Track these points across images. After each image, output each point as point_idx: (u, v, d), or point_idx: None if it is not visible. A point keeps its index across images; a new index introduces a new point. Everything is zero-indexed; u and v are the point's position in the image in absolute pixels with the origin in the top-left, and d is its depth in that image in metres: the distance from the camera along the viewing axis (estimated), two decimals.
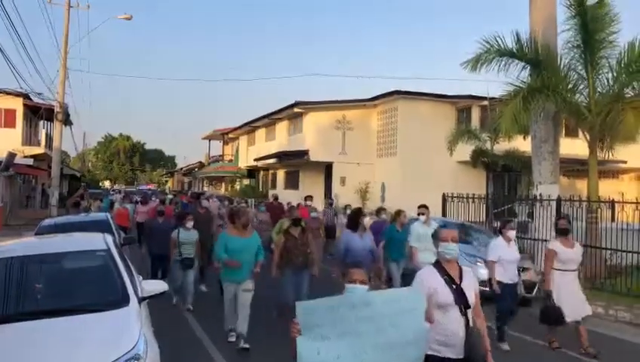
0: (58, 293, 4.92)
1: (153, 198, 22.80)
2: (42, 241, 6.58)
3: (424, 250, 8.42)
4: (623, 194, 12.31)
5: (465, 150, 20.78)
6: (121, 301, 4.63)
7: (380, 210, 12.25)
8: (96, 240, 5.79)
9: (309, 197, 14.98)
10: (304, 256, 7.83)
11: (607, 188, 17.68)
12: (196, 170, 51.92)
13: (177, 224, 9.74)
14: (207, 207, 12.17)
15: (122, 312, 4.49)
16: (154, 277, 9.67)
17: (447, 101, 25.48)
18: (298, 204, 15.31)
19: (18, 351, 3.86)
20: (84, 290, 4.98)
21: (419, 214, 9.14)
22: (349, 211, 12.81)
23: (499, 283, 7.40)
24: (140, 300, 4.84)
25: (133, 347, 3.96)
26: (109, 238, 5.91)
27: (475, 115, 24.79)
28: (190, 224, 9.22)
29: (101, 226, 8.88)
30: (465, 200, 15.06)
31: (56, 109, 23.74)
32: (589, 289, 10.63)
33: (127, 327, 4.25)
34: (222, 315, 7.32)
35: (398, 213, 9.57)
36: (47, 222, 10.10)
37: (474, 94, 24.11)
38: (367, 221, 12.70)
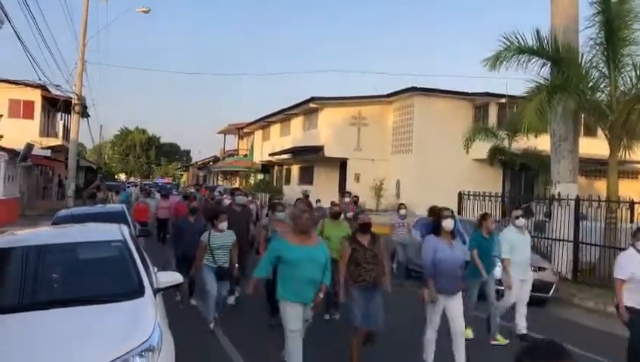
0: (73, 283, 4.91)
1: (174, 192, 22.66)
2: (58, 231, 6.59)
3: (518, 263, 7.49)
4: None
5: (481, 148, 20.59)
6: (137, 292, 4.60)
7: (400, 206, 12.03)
8: (112, 231, 5.78)
9: (347, 193, 13.38)
10: (377, 271, 5.99)
11: (626, 189, 17.37)
12: (211, 164, 52.14)
13: (206, 224, 8.70)
14: (244, 203, 10.18)
15: (137, 303, 4.46)
16: (185, 286, 8.53)
17: (464, 98, 25.26)
18: (332, 202, 14.49)
19: (33, 340, 3.85)
20: (99, 280, 4.96)
21: (516, 218, 7.79)
22: (403, 211, 12.06)
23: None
24: (155, 291, 4.83)
25: (148, 338, 3.93)
26: (125, 229, 5.89)
27: (493, 112, 24.56)
28: (224, 225, 7.62)
29: (117, 218, 8.88)
30: (481, 198, 14.93)
31: (74, 101, 23.90)
32: (610, 291, 10.47)
33: (142, 318, 4.22)
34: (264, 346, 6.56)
35: (485, 216, 7.94)
36: (63, 212, 10.15)
37: (492, 92, 23.90)
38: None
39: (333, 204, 10.12)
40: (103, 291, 4.69)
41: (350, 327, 6.10)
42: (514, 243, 7.51)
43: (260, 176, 39.51)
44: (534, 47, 12.12)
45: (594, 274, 11.46)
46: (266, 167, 38.65)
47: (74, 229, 6.72)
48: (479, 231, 7.69)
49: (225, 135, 49.66)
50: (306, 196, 15.05)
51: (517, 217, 7.81)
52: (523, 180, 23.75)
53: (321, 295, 5.44)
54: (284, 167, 36.12)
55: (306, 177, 31.79)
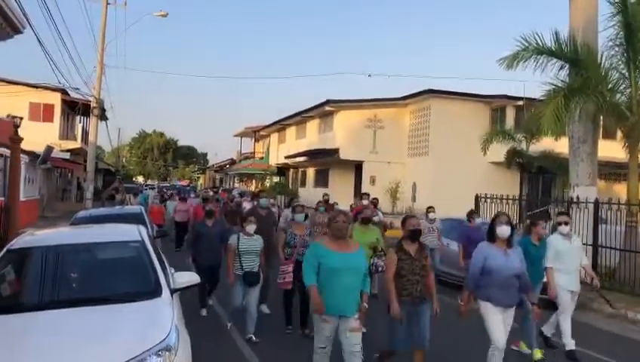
0: (91, 283, 4.97)
1: (192, 195, 22.56)
2: (77, 231, 6.67)
3: (562, 271, 6.91)
4: None
5: (498, 151, 20.42)
6: (154, 292, 4.64)
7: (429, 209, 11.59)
8: (130, 232, 5.84)
9: (365, 195, 12.59)
10: (424, 284, 5.43)
11: None
12: (227, 166, 52.41)
13: (227, 228, 8.54)
14: (269, 206, 9.87)
15: (154, 303, 4.50)
16: (201, 294, 8.38)
17: (481, 100, 25.10)
18: (352, 205, 13.85)
19: (52, 338, 3.90)
20: (117, 280, 5.01)
21: (559, 224, 7.12)
22: (432, 215, 11.47)
23: None
24: (173, 291, 4.86)
25: (165, 338, 3.95)
26: (143, 230, 5.95)
27: (510, 115, 24.38)
28: (252, 228, 7.29)
29: (135, 219, 8.96)
30: (498, 201, 14.80)
31: (93, 104, 24.20)
32: (630, 295, 10.33)
33: (159, 318, 4.25)
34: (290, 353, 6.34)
35: (535, 221, 7.24)
36: (82, 213, 10.27)
37: (509, 94, 23.71)
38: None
39: (354, 206, 9.65)
40: (120, 291, 4.73)
41: (387, 349, 5.62)
42: (559, 250, 6.95)
43: (276, 179, 39.60)
44: (553, 48, 11.99)
45: (614, 279, 11.28)
46: (282, 170, 38.74)
47: (92, 230, 6.80)
48: (527, 238, 6.99)
49: (241, 138, 49.90)
50: (326, 200, 14.37)
51: (560, 223, 7.08)
52: (541, 183, 23.52)
53: (366, 304, 5.02)
54: (300, 169, 36.17)
55: (322, 180, 31.80)
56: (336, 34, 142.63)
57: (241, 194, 27.23)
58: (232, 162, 51.42)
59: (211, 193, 19.63)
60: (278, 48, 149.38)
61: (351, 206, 14.12)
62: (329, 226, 5.04)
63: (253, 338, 6.94)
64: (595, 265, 11.67)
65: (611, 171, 23.02)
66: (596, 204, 11.78)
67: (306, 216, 8.33)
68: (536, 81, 24.49)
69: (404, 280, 5.36)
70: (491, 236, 5.46)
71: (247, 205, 15.13)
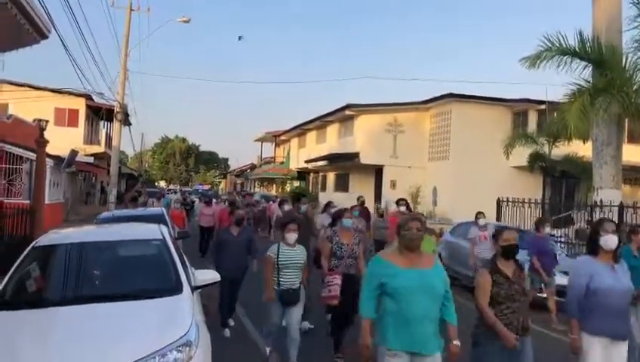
0: (114, 279, 5.07)
1: (215, 201, 22.15)
2: (100, 230, 6.78)
3: None
4: None
5: (521, 155, 20.20)
6: (175, 289, 4.71)
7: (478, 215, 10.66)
8: (152, 230, 5.93)
9: (402, 201, 11.46)
10: (525, 312, 4.34)
11: None
12: (248, 171, 52.73)
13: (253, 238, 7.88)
14: (308, 212, 8.69)
15: (175, 299, 4.56)
16: (224, 308, 7.60)
17: (502, 105, 24.86)
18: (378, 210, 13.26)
19: (75, 333, 3.98)
20: (139, 277, 5.10)
21: None
22: (483, 220, 10.56)
23: None
24: (193, 289, 4.92)
25: (186, 333, 4.01)
26: (164, 229, 6.04)
27: (532, 118, 24.11)
28: (293, 237, 6.13)
29: (157, 220, 9.05)
30: (520, 205, 14.65)
31: (116, 109, 24.58)
32: None
33: (180, 314, 4.31)
34: None
35: (636, 229, 6.34)
36: (105, 214, 10.45)
37: (531, 98, 23.46)
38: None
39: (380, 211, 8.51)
40: (142, 287, 4.81)
41: None
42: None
43: (296, 183, 39.71)
44: (576, 49, 11.87)
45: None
46: (302, 174, 38.83)
47: (115, 228, 6.93)
48: (627, 247, 6.09)
49: (262, 142, 50.20)
50: (362, 203, 13.48)
51: None
52: (564, 187, 23.18)
53: (457, 343, 3.91)
54: (320, 174, 36.21)
55: (342, 184, 31.80)
56: (357, 38, 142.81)
57: (267, 199, 27.26)
58: (253, 167, 51.73)
59: (238, 198, 19.11)
60: (299, 53, 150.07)
61: (378, 210, 13.74)
62: (399, 236, 3.96)
63: (269, 351, 6.21)
64: None
65: (637, 176, 22.59)
66: (620, 207, 11.59)
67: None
68: (559, 84, 24.08)
69: (502, 308, 4.23)
70: (594, 248, 4.46)
71: (275, 210, 14.60)
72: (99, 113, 32.46)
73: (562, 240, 13.81)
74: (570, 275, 4.56)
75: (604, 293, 4.27)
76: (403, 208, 10.95)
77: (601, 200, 11.99)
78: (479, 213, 10.95)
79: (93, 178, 36.42)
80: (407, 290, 3.74)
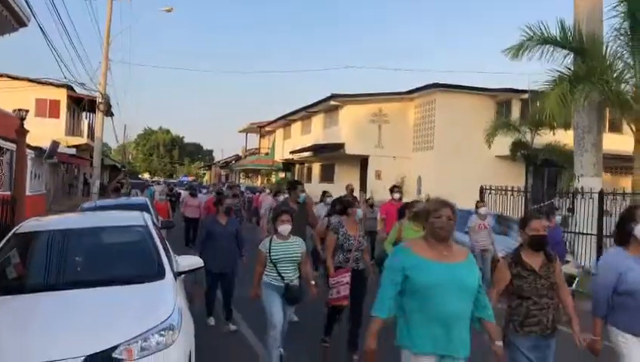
0: (96, 265, 5.05)
1: (203, 191, 21.70)
2: (82, 217, 6.76)
3: None
4: None
5: (504, 144, 20.36)
6: (157, 274, 4.71)
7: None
8: (134, 217, 5.91)
9: (397, 188, 10.80)
10: (554, 310, 3.95)
11: None
12: (233, 162, 52.50)
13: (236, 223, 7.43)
14: (304, 200, 7.93)
15: (158, 285, 4.56)
16: (210, 299, 7.31)
17: (486, 94, 25.03)
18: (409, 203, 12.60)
19: (57, 318, 3.96)
20: (121, 263, 5.09)
21: None
22: (484, 209, 10.21)
23: None
24: (176, 275, 4.92)
25: (168, 317, 4.02)
26: (147, 216, 6.02)
27: (516, 108, 24.31)
28: (286, 228, 5.59)
29: (140, 208, 9.00)
30: (503, 193, 14.79)
31: (98, 100, 24.30)
32: None
33: (163, 299, 4.32)
34: None
35: None
36: (88, 204, 10.38)
37: (514, 88, 23.64)
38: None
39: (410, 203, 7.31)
40: (125, 273, 4.80)
41: None
42: None
43: (282, 175, 39.66)
44: (558, 38, 12.00)
45: None
46: (288, 165, 38.79)
47: (98, 215, 6.90)
48: None
49: (246, 134, 49.96)
50: (351, 191, 13.08)
51: None
52: (546, 176, 23.45)
53: (500, 344, 3.50)
54: (306, 165, 36.20)
55: (327, 175, 31.83)
56: (341, 28, 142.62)
57: (252, 191, 27.07)
58: (238, 158, 51.51)
59: (224, 188, 18.70)
60: (284, 43, 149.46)
61: (367, 200, 13.52)
62: (427, 225, 3.47)
63: (282, 350, 5.50)
64: (599, 255, 11.66)
65: (618, 165, 22.90)
66: (601, 194, 11.75)
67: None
68: (542, 73, 24.26)
69: (528, 304, 3.87)
70: (624, 239, 3.97)
71: (266, 202, 13.94)
72: (80, 104, 32.12)
73: None
74: (600, 270, 4.10)
75: (637, 289, 3.78)
76: (397, 196, 10.51)
77: (582, 188, 12.16)
78: (479, 201, 10.74)
79: (76, 170, 36.05)
80: (437, 287, 3.25)
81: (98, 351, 3.58)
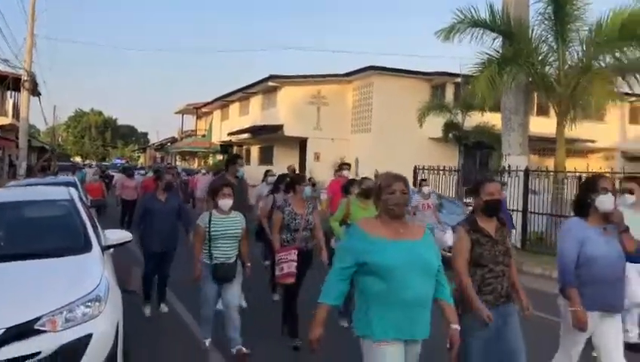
0: (21, 239, 4.92)
1: (141, 172, 21.15)
2: (6, 191, 6.50)
3: None
4: (587, 165, 12.57)
5: (438, 126, 20.93)
6: (84, 247, 4.64)
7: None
8: (60, 191, 5.78)
9: (346, 166, 10.36)
10: (510, 277, 3.80)
11: (577, 166, 18.02)
12: (169, 145, 51.34)
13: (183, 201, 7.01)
14: (243, 176, 7.48)
15: (84, 257, 4.50)
16: (147, 283, 6.72)
17: (422, 78, 25.54)
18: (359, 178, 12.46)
19: None
20: (46, 237, 4.96)
21: (623, 191, 5.43)
22: (427, 188, 10.03)
23: None
24: (104, 248, 4.83)
25: (94, 289, 3.97)
26: (74, 191, 5.85)
27: (450, 91, 24.95)
28: (227, 203, 5.27)
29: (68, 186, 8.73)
30: (436, 172, 15.25)
31: (23, 78, 23.12)
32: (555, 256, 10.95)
33: (89, 271, 4.26)
34: None
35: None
36: (13, 183, 9.93)
37: (448, 71, 24.25)
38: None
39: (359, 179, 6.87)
40: (50, 246, 4.69)
41: None
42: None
43: (219, 157, 39.15)
44: (487, 21, 12.42)
45: (542, 243, 11.91)
46: (225, 148, 38.30)
47: (22, 190, 6.63)
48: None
49: (183, 115, 48.88)
50: (293, 170, 12.61)
51: (625, 191, 5.44)
52: (478, 157, 24.33)
53: (457, 327, 3.19)
54: (244, 147, 35.88)
55: (266, 157, 31.68)
56: (280, 8, 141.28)
57: (188, 173, 26.51)
58: (174, 140, 50.39)
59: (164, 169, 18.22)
60: (222, 23, 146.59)
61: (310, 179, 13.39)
62: (382, 202, 3.15)
63: (244, 349, 5.10)
64: (524, 230, 12.28)
65: (546, 146, 24.03)
66: (526, 172, 12.34)
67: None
68: (475, 57, 25.01)
69: (484, 273, 3.66)
70: (584, 209, 3.88)
71: (203, 183, 13.17)
72: (4, 82, 30.35)
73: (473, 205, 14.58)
74: (560, 240, 4.02)
75: (597, 262, 3.73)
76: (346, 172, 9.97)
77: (509, 166, 12.72)
78: (423, 180, 10.64)
79: (1, 151, 34.21)
80: (398, 268, 2.97)
81: (19, 322, 3.50)
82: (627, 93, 15.91)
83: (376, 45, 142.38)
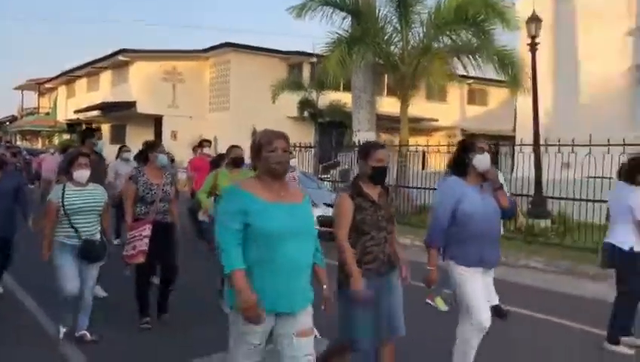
0: None
1: None
2: None
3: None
4: (427, 141, 13.62)
5: (295, 105, 21.26)
6: None
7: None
8: None
9: (207, 142, 10.55)
10: (392, 244, 3.72)
11: (421, 143, 19.47)
12: (7, 123, 46.62)
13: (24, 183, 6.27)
14: (100, 151, 7.06)
15: None
16: None
17: (279, 57, 25.78)
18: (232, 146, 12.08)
19: None
20: None
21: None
22: (293, 161, 9.02)
23: None
24: None
25: None
26: None
27: (306, 71, 25.49)
28: (84, 174, 4.76)
29: None
30: (293, 149, 15.49)
31: None
32: (401, 224, 11.73)
33: None
34: None
35: None
36: None
37: (305, 51, 24.69)
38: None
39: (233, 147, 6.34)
40: None
41: (347, 344, 3.62)
42: None
43: (66, 136, 36.33)
44: (337, 0, 12.75)
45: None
46: (72, 126, 35.63)
47: None
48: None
49: (22, 91, 44.58)
50: (200, 144, 12.19)
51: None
52: (334, 134, 25.19)
53: (328, 292, 3.03)
54: (94, 125, 33.63)
55: (118, 136, 29.95)
56: None
57: (32, 153, 24.15)
58: (14, 119, 45.84)
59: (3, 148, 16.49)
60: None
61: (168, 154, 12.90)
62: (261, 162, 2.88)
63: (88, 335, 4.77)
64: None
65: (394, 125, 25.52)
66: None
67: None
68: (326, 37, 25.79)
69: (366, 240, 3.57)
70: (462, 168, 3.95)
71: (51, 164, 12.08)
72: None
73: (329, 179, 15.13)
74: (436, 198, 4.04)
75: (475, 219, 3.79)
76: (207, 150, 10.17)
77: (359, 141, 13.30)
78: (289, 153, 10.84)
79: None
80: (280, 233, 2.74)
81: None
82: (465, 76, 17.38)
83: (234, 21, 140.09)
